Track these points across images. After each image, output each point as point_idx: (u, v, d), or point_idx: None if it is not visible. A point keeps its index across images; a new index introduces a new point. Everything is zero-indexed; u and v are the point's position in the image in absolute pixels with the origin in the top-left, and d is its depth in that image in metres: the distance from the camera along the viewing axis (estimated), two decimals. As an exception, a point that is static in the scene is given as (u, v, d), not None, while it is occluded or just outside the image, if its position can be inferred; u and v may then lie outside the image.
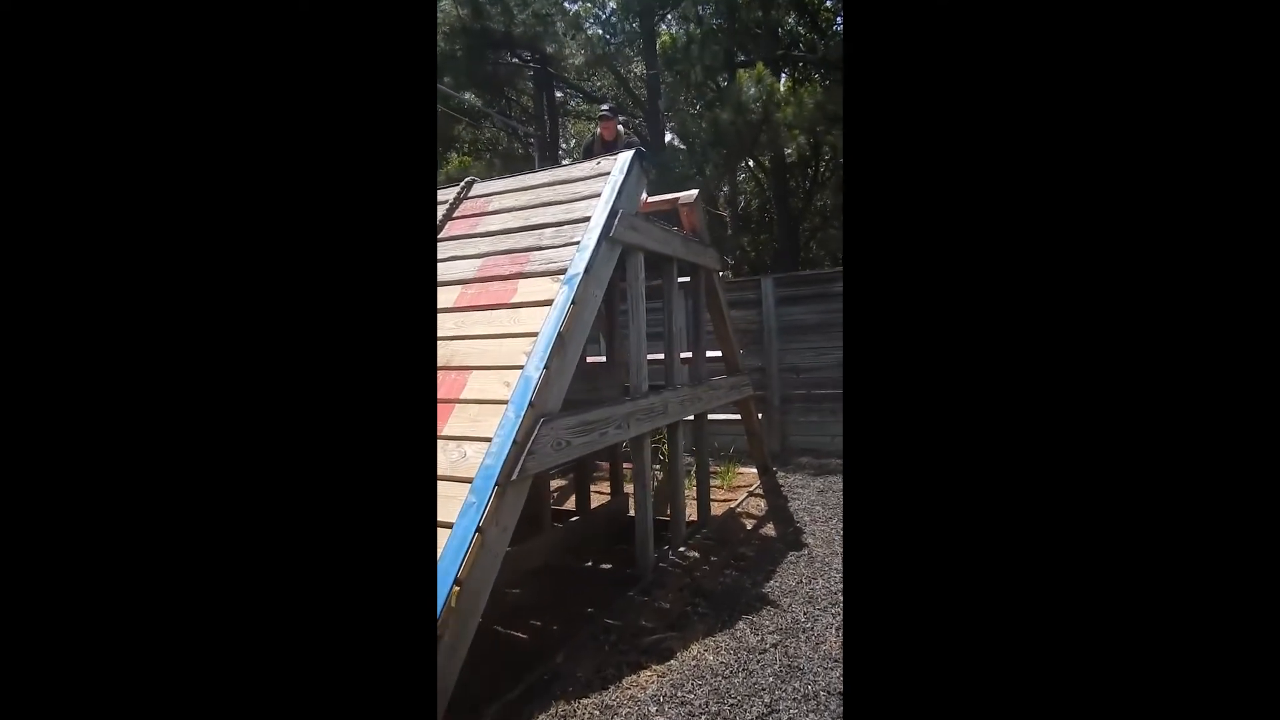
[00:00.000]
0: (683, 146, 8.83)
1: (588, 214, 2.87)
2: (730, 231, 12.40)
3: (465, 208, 3.36)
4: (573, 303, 2.49)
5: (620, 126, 4.15)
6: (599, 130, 4.67)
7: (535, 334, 2.43)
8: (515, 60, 9.87)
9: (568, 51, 8.10)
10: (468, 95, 11.57)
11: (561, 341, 2.41)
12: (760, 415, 4.85)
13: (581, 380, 4.05)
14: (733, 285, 6.46)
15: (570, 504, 4.44)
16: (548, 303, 2.54)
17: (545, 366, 2.31)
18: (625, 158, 3.09)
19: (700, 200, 3.88)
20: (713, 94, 7.58)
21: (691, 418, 3.76)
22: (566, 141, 13.64)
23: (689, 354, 3.97)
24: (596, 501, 4.41)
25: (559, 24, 7.80)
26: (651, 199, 3.88)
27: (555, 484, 5.04)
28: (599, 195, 2.94)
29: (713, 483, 4.97)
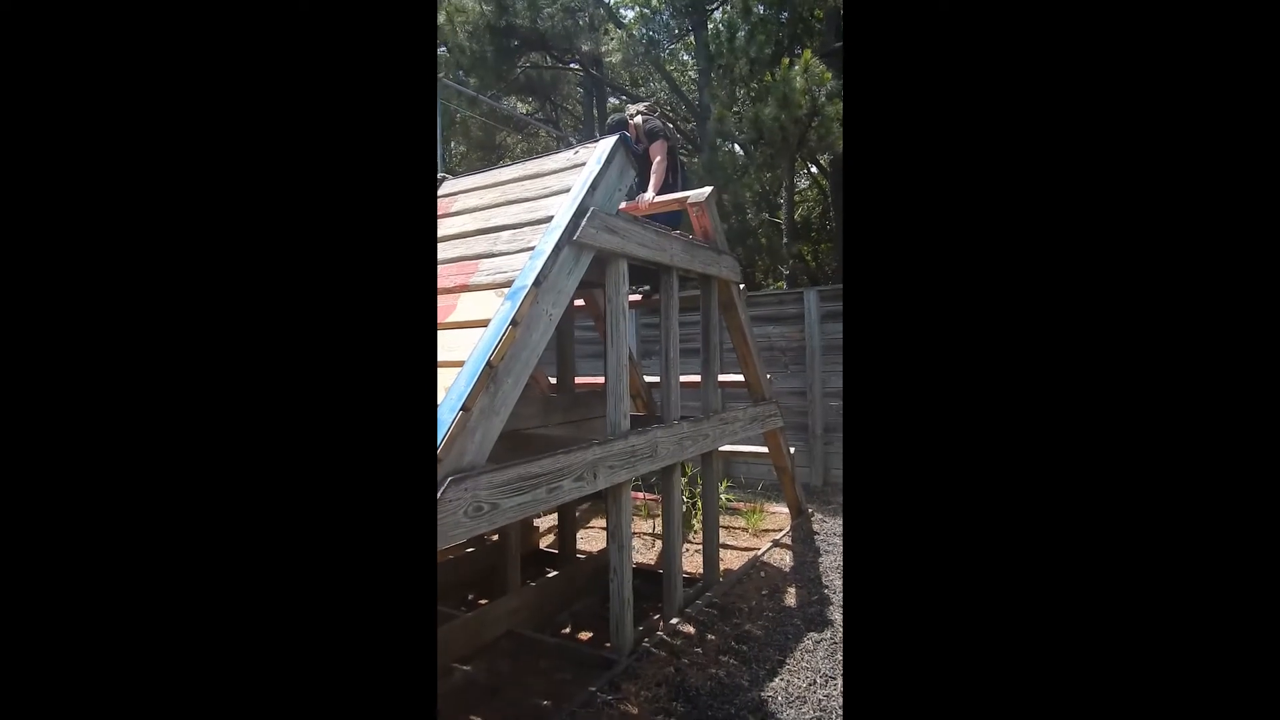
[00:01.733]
0: (726, 147, 8.19)
1: (552, 213, 2.34)
2: (786, 239, 11.63)
3: (428, 209, 2.90)
4: (512, 323, 1.96)
5: (639, 119, 3.61)
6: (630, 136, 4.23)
7: (464, 364, 1.92)
8: (559, 65, 9.51)
9: (604, 50, 7.60)
10: (518, 105, 11.29)
11: (491, 373, 1.88)
12: (793, 450, 4.18)
13: (570, 409, 3.53)
14: (771, 298, 5.81)
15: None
16: (485, 323, 2.03)
17: (463, 408, 1.79)
18: (605, 145, 2.55)
19: (713, 200, 3.29)
20: (759, 88, 6.95)
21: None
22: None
23: (697, 377, 3.38)
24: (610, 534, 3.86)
25: (597, 11, 7.27)
26: (658, 199, 3.33)
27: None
28: (569, 191, 2.41)
29: (738, 524, 4.34)
